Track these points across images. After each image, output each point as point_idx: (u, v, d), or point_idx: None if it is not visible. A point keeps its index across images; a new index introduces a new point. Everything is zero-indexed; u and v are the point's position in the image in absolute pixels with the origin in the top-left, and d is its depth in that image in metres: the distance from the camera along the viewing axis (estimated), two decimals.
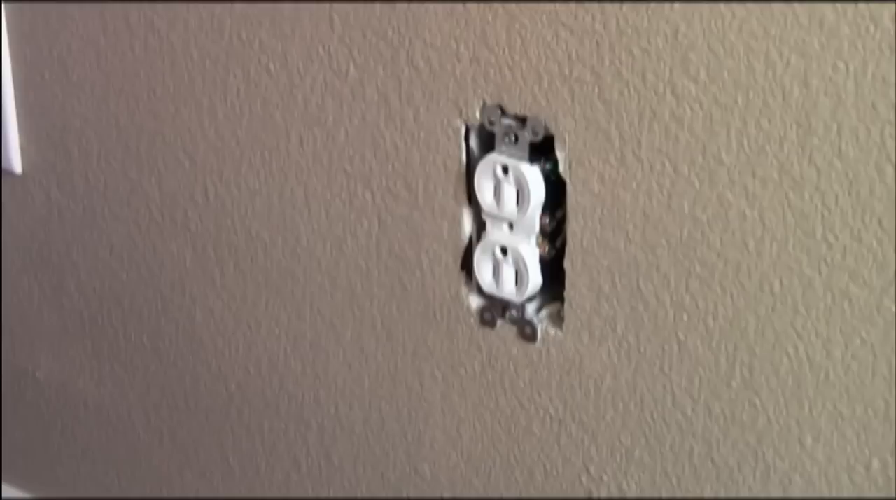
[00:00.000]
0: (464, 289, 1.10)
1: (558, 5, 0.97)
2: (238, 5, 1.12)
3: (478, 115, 1.04)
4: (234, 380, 1.26)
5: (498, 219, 1.05)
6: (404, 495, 1.19)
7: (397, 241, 1.11)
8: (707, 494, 1.04)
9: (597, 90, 0.98)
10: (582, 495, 1.10)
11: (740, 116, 0.93)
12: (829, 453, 0.98)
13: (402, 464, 1.19)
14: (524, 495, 1.13)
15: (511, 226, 1.05)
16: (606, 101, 0.98)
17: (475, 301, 1.10)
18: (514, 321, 1.08)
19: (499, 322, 1.09)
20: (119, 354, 1.32)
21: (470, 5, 1.01)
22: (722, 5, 0.92)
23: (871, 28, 0.87)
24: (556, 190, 1.03)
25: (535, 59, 1.00)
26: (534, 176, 1.02)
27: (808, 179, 0.92)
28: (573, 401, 1.07)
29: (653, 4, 0.94)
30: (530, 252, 1.05)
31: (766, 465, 1.01)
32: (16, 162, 1.30)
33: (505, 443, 1.12)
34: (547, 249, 1.05)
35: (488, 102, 1.03)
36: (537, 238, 1.05)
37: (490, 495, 1.15)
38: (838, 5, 0.88)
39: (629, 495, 1.07)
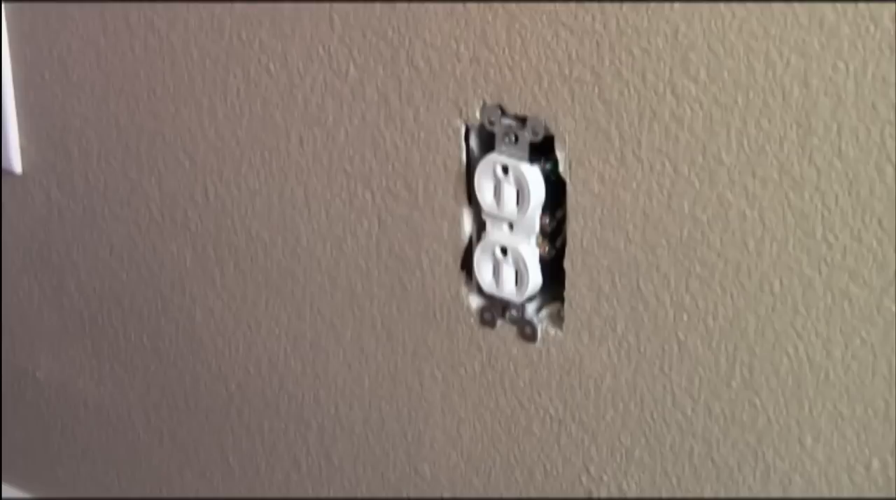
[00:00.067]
0: (464, 289, 1.10)
1: (558, 5, 0.97)
2: (238, 5, 1.12)
3: (478, 115, 1.04)
4: (234, 380, 1.26)
5: (498, 219, 1.05)
6: (404, 495, 1.19)
7: (397, 241, 1.11)
8: (707, 494, 1.04)
9: (597, 90, 0.98)
10: (582, 495, 1.09)
11: (740, 116, 0.93)
12: (829, 453, 0.98)
13: (402, 464, 1.19)
14: (524, 495, 1.13)
15: (511, 226, 1.05)
16: (606, 101, 0.98)
17: (475, 301, 1.10)
18: (514, 321, 1.08)
19: (499, 322, 1.09)
20: (119, 354, 1.32)
21: (470, 5, 1.01)
22: (722, 5, 0.92)
23: (871, 28, 0.87)
24: (556, 190, 1.03)
25: (535, 59, 0.99)
26: (534, 176, 1.02)
27: (808, 179, 0.92)
28: (573, 401, 1.07)
29: (653, 4, 0.94)
30: (530, 252, 1.05)
31: (766, 465, 1.01)
32: (16, 162, 1.30)
33: (505, 443, 1.12)
34: (547, 249, 1.05)
35: (488, 102, 1.03)
36: (537, 238, 1.05)
37: (490, 495, 1.15)
38: (838, 5, 0.88)
39: (629, 495, 1.07)
